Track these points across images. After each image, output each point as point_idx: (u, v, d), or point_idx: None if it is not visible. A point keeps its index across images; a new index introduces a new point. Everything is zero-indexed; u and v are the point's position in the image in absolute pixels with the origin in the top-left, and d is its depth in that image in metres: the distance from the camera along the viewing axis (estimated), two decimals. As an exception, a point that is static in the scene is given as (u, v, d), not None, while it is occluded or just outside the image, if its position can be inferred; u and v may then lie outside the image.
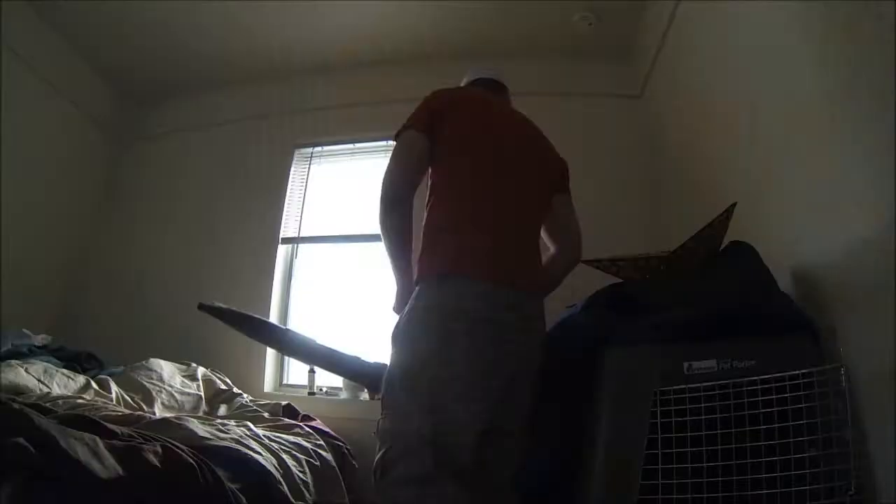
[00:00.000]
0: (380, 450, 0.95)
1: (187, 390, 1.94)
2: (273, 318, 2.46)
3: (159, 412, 1.68)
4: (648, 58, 2.36)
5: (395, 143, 1.14)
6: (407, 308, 1.03)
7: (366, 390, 2.21)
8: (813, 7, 1.21)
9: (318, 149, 2.82)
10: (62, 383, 1.60)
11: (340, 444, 1.86)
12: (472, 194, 1.10)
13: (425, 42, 2.59)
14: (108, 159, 2.97)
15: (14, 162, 2.32)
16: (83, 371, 1.87)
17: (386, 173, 1.10)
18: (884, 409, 0.94)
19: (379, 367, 1.09)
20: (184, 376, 2.02)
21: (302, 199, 2.74)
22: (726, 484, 0.96)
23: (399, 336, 1.02)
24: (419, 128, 1.12)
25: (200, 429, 1.29)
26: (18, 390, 1.44)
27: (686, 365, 1.06)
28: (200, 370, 2.10)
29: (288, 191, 2.70)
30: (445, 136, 1.12)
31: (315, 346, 1.26)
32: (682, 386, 1.02)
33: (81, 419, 1.00)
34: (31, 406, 0.95)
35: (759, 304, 1.10)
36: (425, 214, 1.11)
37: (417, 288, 1.04)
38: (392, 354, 1.03)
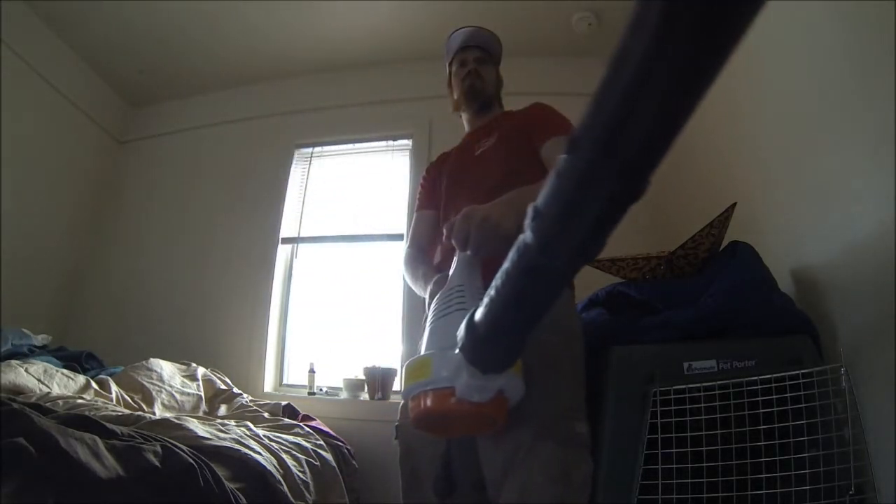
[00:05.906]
0: (579, 461, 0.83)
1: (187, 390, 1.94)
2: (273, 317, 2.47)
3: (159, 412, 1.68)
4: (648, 58, 2.36)
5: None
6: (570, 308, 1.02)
7: (368, 389, 2.20)
8: (813, 7, 1.21)
9: (318, 149, 2.81)
10: (62, 383, 1.60)
11: (340, 444, 1.86)
12: None
13: (425, 42, 2.59)
14: (108, 159, 2.97)
15: (14, 162, 2.32)
16: (83, 371, 1.87)
17: None
18: (884, 409, 0.94)
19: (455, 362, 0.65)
20: (184, 376, 2.02)
21: (302, 199, 2.74)
22: (726, 484, 0.96)
23: (578, 336, 0.97)
24: None
25: (200, 429, 1.29)
26: (18, 390, 1.43)
27: (686, 365, 1.06)
28: (200, 370, 2.10)
29: (288, 191, 2.70)
30: None
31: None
32: (682, 386, 1.03)
33: (81, 419, 1.00)
34: (31, 406, 0.95)
35: (759, 304, 1.10)
36: None
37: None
38: (574, 348, 0.94)
